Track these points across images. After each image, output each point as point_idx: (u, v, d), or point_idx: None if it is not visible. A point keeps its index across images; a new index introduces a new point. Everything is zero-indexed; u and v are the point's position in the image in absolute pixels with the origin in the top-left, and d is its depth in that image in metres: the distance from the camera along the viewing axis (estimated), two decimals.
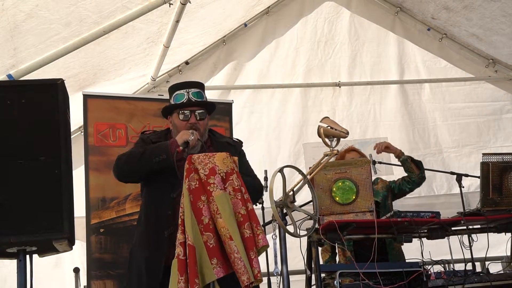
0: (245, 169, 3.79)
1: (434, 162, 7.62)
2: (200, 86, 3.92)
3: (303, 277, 4.58)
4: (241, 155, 3.89)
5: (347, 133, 3.89)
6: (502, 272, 4.56)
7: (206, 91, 3.99)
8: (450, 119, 7.93)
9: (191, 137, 3.62)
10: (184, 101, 3.80)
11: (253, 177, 3.84)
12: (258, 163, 6.51)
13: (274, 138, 7.75)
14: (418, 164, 5.24)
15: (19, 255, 3.25)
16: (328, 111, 7.43)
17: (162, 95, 6.33)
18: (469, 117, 7.94)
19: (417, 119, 7.93)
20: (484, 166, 4.60)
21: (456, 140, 7.89)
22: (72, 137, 3.78)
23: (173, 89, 3.90)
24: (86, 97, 5.67)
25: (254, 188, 3.75)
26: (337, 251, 5.11)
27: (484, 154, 4.68)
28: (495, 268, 4.58)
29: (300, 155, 7.56)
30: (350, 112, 7.81)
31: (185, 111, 3.79)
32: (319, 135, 3.92)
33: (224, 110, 6.16)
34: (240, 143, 4.00)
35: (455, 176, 5.61)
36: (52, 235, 3.16)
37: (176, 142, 3.63)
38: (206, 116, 3.84)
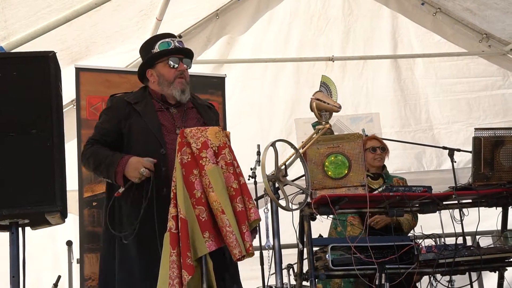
0: None
1: (425, 138, 7.65)
2: (180, 38, 3.95)
3: (295, 251, 4.60)
4: (218, 119, 3.95)
5: (340, 107, 3.89)
6: (492, 245, 4.59)
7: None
8: (442, 95, 7.94)
9: (137, 179, 3.53)
10: (172, 48, 3.78)
11: None
12: (250, 138, 6.52)
13: (266, 113, 7.75)
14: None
15: (11, 227, 3.25)
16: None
17: None
18: (460, 93, 7.94)
19: (409, 95, 7.93)
20: (476, 140, 4.61)
21: (447, 117, 7.90)
22: (64, 110, 3.77)
23: (152, 40, 3.87)
24: (79, 70, 5.65)
25: None
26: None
27: (476, 129, 4.69)
28: (485, 242, 4.61)
29: (292, 130, 7.56)
30: (343, 87, 7.78)
31: (173, 58, 3.77)
32: (312, 109, 3.92)
33: (217, 84, 6.14)
34: (214, 107, 4.03)
35: (445, 152, 5.63)
36: (45, 208, 3.16)
37: (122, 177, 3.56)
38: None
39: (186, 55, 3.85)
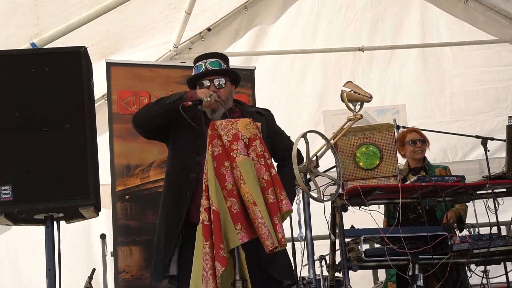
0: (280, 135, 3.90)
1: (449, 130, 7.54)
2: (219, 56, 3.93)
3: (327, 242, 4.60)
4: (273, 122, 3.95)
5: (371, 97, 3.86)
6: None
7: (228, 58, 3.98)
8: (469, 85, 7.86)
9: (206, 98, 3.64)
10: (202, 71, 3.83)
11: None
12: None
13: (294, 106, 7.74)
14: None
15: (46, 221, 3.30)
16: (348, 78, 7.39)
17: (185, 62, 6.33)
18: (488, 82, 7.85)
19: (436, 86, 7.88)
20: (510, 129, 4.55)
21: (473, 108, 7.83)
22: (96, 105, 3.81)
23: (194, 61, 3.94)
24: (109, 65, 5.68)
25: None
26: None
27: (510, 117, 4.63)
28: None
29: (320, 122, 7.54)
30: (370, 79, 7.76)
31: (204, 81, 3.82)
32: (342, 100, 3.89)
33: (246, 76, 6.13)
34: (268, 110, 4.02)
35: (469, 143, 5.55)
36: (78, 201, 3.21)
37: (194, 94, 3.68)
38: (227, 85, 3.84)
39: (220, 73, 3.86)
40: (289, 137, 4.00)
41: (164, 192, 3.85)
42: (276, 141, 3.46)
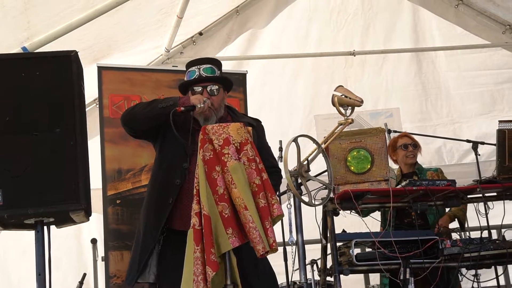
0: (265, 151, 3.82)
1: (446, 132, 7.59)
2: (212, 62, 3.89)
3: (318, 246, 4.60)
4: (263, 135, 3.90)
5: (362, 101, 3.87)
6: None
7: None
8: (464, 88, 7.88)
9: (200, 105, 3.62)
10: (196, 77, 3.79)
11: (276, 172, 3.83)
12: (270, 135, 6.51)
13: (286, 110, 7.75)
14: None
15: (36, 226, 3.29)
16: (340, 82, 7.40)
17: (176, 66, 6.33)
18: (483, 85, 7.87)
19: (430, 88, 7.89)
20: (500, 133, 4.57)
21: (469, 110, 7.84)
22: (87, 109, 3.79)
23: (187, 66, 3.91)
24: (101, 69, 5.68)
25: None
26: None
27: (500, 121, 4.65)
28: (511, 235, 4.57)
29: (312, 126, 7.55)
30: (362, 82, 7.77)
31: (197, 87, 3.78)
32: (333, 104, 3.90)
33: (238, 80, 6.13)
34: (259, 122, 3.99)
35: (466, 145, 5.57)
36: (69, 206, 3.19)
37: (188, 100, 3.67)
38: (220, 92, 3.81)
39: (214, 80, 3.82)
40: (273, 156, 3.97)
41: (147, 195, 3.82)
42: (261, 156, 3.42)
